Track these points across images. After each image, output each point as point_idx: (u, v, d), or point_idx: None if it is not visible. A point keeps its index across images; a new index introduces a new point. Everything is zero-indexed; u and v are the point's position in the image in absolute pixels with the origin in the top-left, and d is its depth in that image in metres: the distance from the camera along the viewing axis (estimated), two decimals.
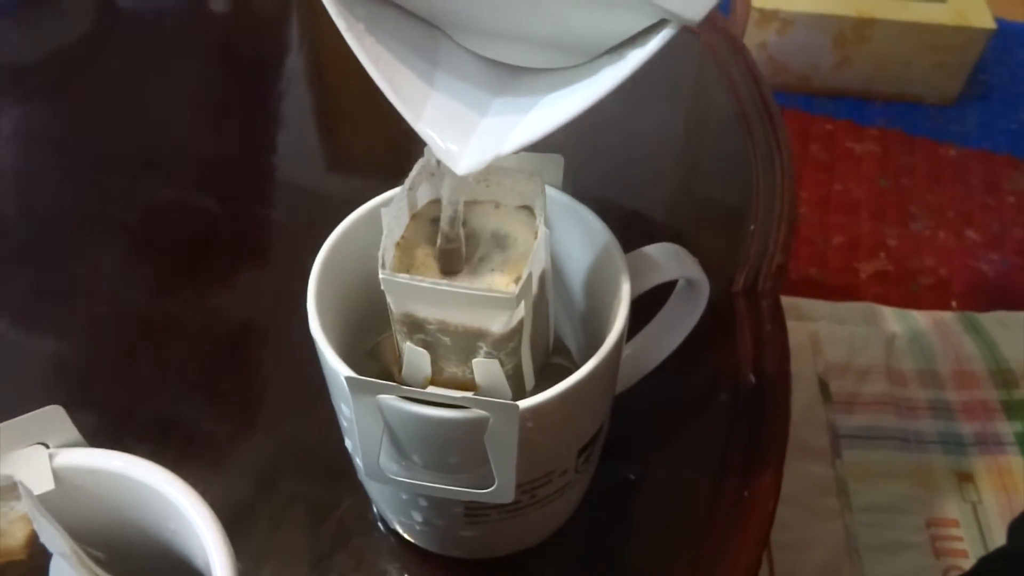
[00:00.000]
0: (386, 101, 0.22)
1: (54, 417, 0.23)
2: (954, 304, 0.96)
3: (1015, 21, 1.36)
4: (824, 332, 0.86)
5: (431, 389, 0.25)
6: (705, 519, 0.36)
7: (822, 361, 0.83)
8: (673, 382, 0.39)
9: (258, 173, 0.53)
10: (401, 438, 0.26)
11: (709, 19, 0.60)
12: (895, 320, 0.89)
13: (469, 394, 0.24)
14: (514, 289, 0.24)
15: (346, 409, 0.27)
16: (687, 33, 0.59)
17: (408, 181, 0.27)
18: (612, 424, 0.33)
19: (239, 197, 0.50)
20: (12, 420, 0.23)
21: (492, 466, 0.26)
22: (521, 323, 0.25)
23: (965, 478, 0.77)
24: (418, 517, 0.31)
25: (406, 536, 0.34)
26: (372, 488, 0.33)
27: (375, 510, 0.35)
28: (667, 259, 0.30)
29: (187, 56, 0.60)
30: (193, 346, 0.42)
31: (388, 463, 0.27)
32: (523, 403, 0.24)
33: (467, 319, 0.25)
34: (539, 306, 0.26)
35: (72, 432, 0.23)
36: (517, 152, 0.23)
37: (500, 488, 0.26)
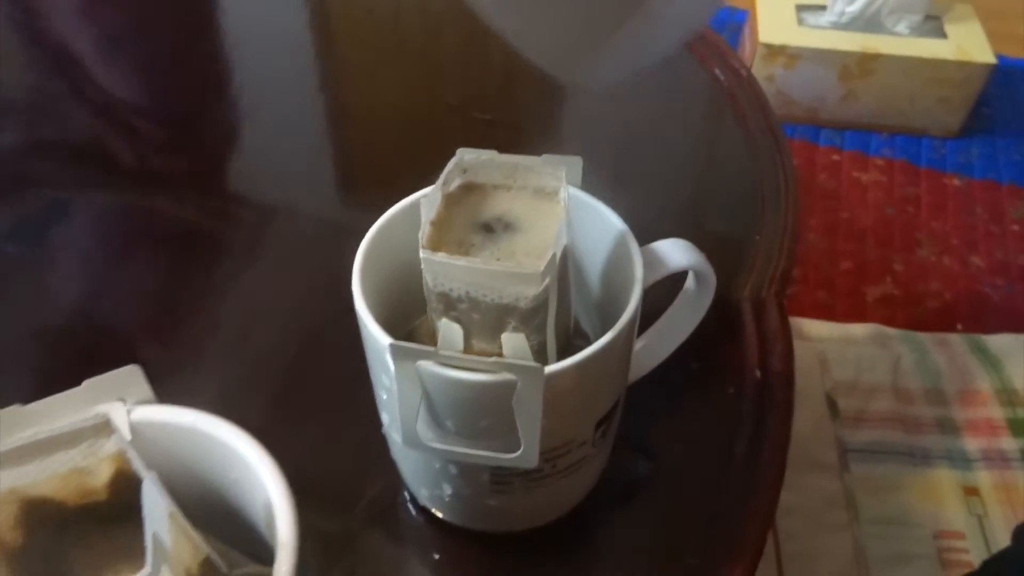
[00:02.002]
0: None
1: (132, 376, 0.26)
2: (959, 327, 0.98)
3: (1016, 58, 1.40)
4: (832, 352, 0.88)
5: (454, 356, 0.27)
6: (713, 505, 0.38)
7: (830, 379, 0.85)
8: (683, 378, 0.42)
9: (293, 185, 0.56)
10: (437, 404, 0.29)
11: (717, 51, 0.64)
12: (902, 341, 0.92)
13: (499, 359, 0.27)
14: (540, 266, 0.27)
15: (386, 379, 0.30)
16: (697, 65, 0.63)
17: (442, 177, 0.30)
18: (625, 415, 0.35)
19: (276, 210, 0.53)
20: (95, 378, 0.26)
21: (519, 430, 0.28)
22: (546, 300, 0.28)
23: (971, 492, 0.79)
24: (447, 488, 0.33)
25: (435, 512, 0.36)
26: (404, 465, 0.36)
27: (405, 493, 0.37)
28: (677, 251, 0.33)
29: (218, 74, 0.64)
30: (232, 346, 0.45)
31: (424, 430, 0.30)
32: (547, 368, 0.27)
33: (498, 295, 0.28)
34: (562, 285, 0.29)
35: (146, 391, 0.26)
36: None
37: (525, 453, 0.29)
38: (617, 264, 0.33)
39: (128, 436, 0.25)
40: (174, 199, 0.53)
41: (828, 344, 0.90)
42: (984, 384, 0.87)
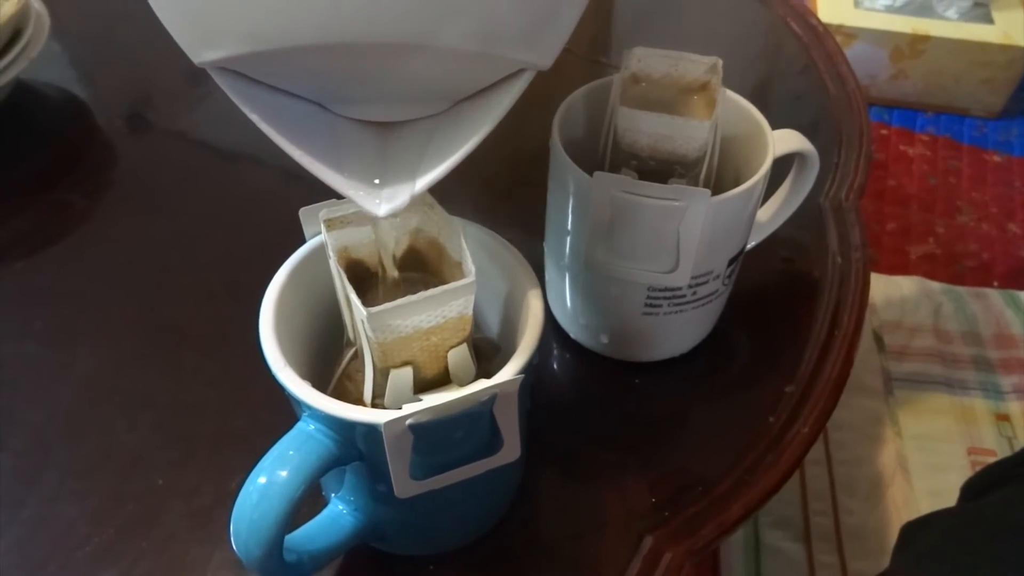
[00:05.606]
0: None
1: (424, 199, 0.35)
2: (996, 284, 1.07)
3: None
4: (879, 297, 0.97)
5: (643, 183, 0.36)
6: (802, 350, 0.48)
7: (877, 319, 0.94)
8: (779, 261, 0.51)
9: None
10: (618, 227, 0.38)
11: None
12: (942, 292, 1.00)
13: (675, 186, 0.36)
14: (708, 122, 0.36)
15: (576, 209, 0.39)
16: (768, 10, 0.71)
17: (622, 66, 0.39)
18: (736, 287, 0.44)
19: None
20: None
21: (679, 250, 0.38)
22: (705, 154, 0.38)
23: (1002, 418, 0.88)
24: (603, 316, 0.43)
25: (586, 344, 0.46)
26: (560, 304, 0.45)
27: (559, 331, 0.47)
28: (792, 137, 0.42)
29: None
30: None
31: (603, 253, 0.39)
32: (712, 198, 0.36)
33: (672, 144, 0.37)
34: (715, 148, 0.39)
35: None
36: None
37: (680, 271, 0.39)
38: (751, 142, 0.42)
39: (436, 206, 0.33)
40: None
41: (875, 291, 0.99)
42: (1017, 331, 0.96)
